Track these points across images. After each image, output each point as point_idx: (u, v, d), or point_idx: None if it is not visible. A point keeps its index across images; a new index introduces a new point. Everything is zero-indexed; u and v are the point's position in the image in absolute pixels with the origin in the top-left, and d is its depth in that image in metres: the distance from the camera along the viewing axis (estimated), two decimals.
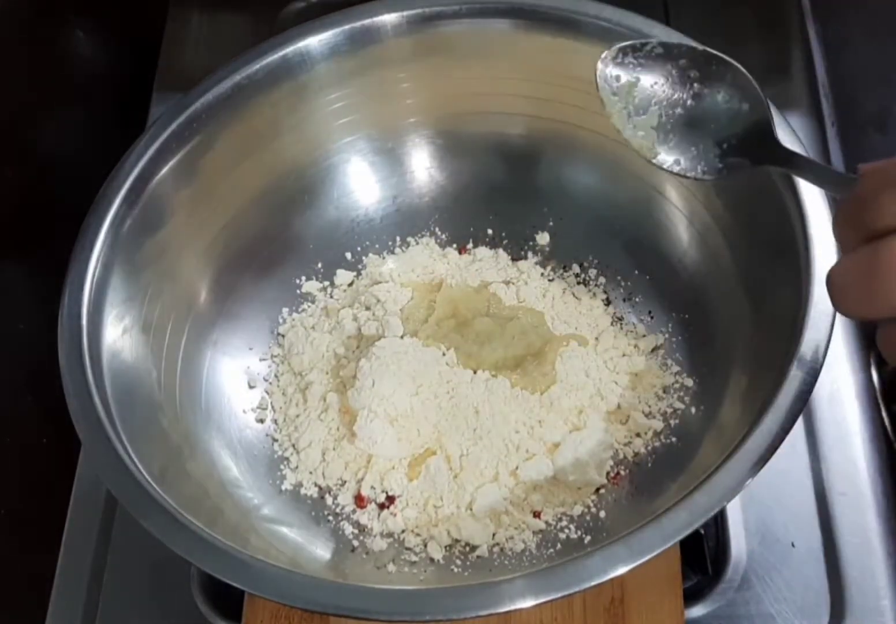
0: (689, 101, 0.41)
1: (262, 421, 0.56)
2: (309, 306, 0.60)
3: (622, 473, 0.53)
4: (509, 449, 0.52)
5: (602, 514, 0.51)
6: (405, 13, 0.53)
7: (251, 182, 0.56)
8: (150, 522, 0.40)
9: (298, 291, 0.60)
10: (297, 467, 0.54)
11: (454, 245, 0.62)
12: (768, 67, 0.69)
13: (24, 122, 0.60)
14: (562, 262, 0.60)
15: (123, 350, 0.48)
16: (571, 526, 0.51)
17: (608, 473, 0.52)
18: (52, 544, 0.57)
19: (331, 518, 0.53)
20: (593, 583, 0.38)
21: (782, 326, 0.44)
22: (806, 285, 0.43)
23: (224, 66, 0.52)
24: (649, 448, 0.53)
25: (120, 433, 0.43)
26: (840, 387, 0.58)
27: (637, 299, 0.58)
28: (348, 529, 0.52)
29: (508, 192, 0.61)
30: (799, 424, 0.56)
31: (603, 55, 0.42)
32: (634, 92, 0.41)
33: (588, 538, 0.50)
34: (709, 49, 0.42)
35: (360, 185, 0.60)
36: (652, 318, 0.57)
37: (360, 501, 0.53)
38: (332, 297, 0.61)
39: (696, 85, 0.41)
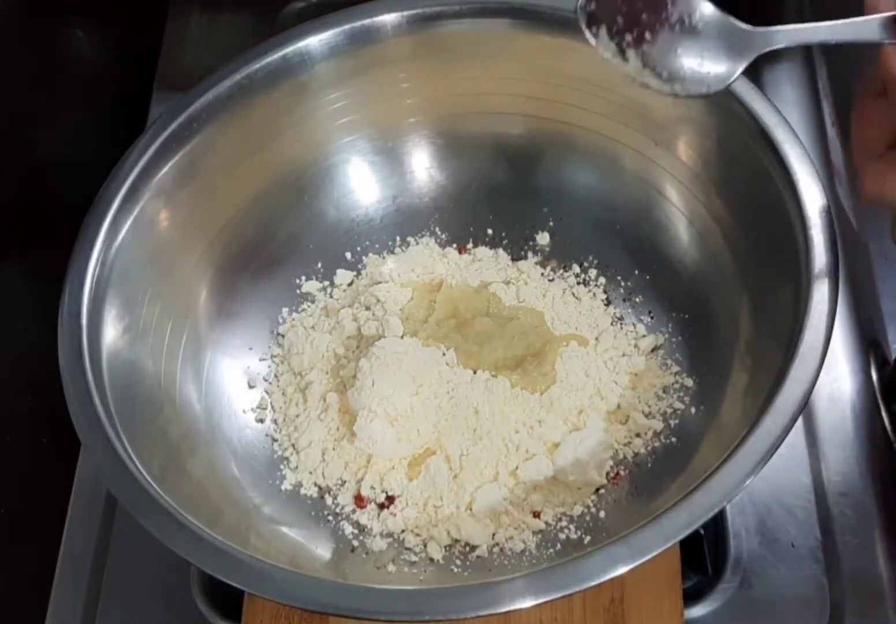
0: (646, 33, 0.42)
1: (261, 421, 0.56)
2: (309, 306, 0.60)
3: (622, 473, 0.53)
4: (509, 449, 0.52)
5: (602, 514, 0.51)
6: (405, 13, 0.53)
7: (251, 182, 0.56)
8: (149, 522, 0.40)
9: (298, 291, 0.60)
10: (296, 467, 0.54)
11: (454, 245, 0.62)
12: (768, 68, 0.69)
13: (24, 122, 0.60)
14: (562, 263, 0.60)
15: (123, 350, 0.48)
16: (571, 526, 0.51)
17: (608, 473, 0.52)
18: (52, 544, 0.57)
19: (330, 518, 0.53)
20: (593, 583, 0.38)
21: (782, 325, 0.44)
22: (806, 285, 0.43)
23: (224, 66, 0.52)
24: (649, 448, 0.53)
25: (120, 433, 0.44)
26: (840, 387, 0.58)
27: (637, 299, 0.58)
28: (348, 529, 0.52)
29: (508, 192, 0.61)
30: (799, 424, 0.56)
31: (578, 11, 0.42)
32: (608, 39, 0.42)
33: (588, 538, 0.50)
34: None
35: (360, 184, 0.60)
36: (652, 318, 0.57)
37: (359, 501, 0.53)
38: (331, 296, 0.61)
39: (648, 13, 0.42)
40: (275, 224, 0.58)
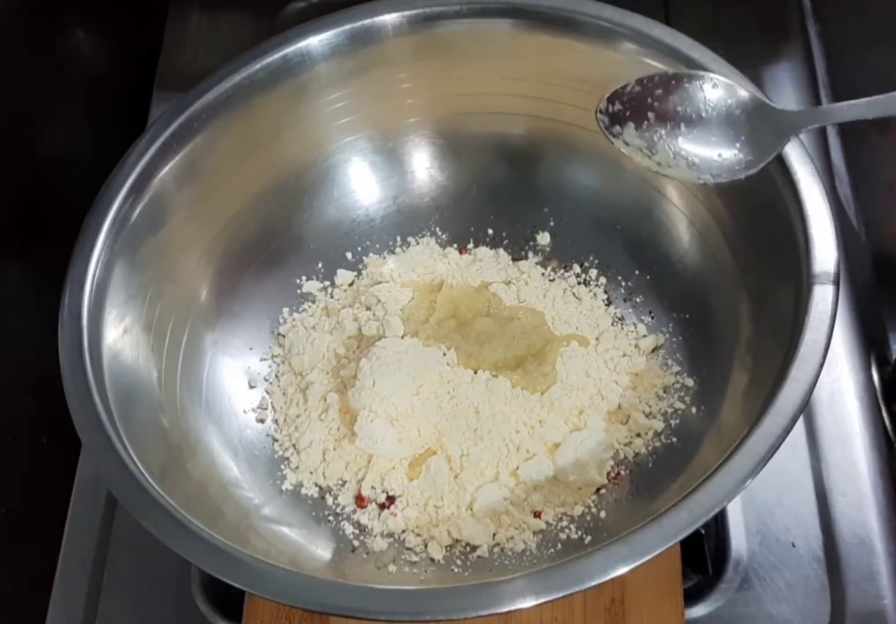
0: (682, 123, 0.42)
1: (262, 421, 0.56)
2: (309, 306, 0.60)
3: (623, 473, 0.53)
4: (510, 449, 0.52)
5: (602, 514, 0.51)
6: (405, 13, 0.53)
7: (251, 182, 0.56)
8: (150, 522, 0.40)
9: (299, 291, 0.60)
10: (297, 467, 0.54)
11: (455, 245, 0.62)
12: (768, 68, 0.69)
13: (25, 122, 0.60)
14: (562, 263, 0.60)
15: (124, 350, 0.48)
16: (572, 526, 0.51)
17: (608, 473, 0.52)
18: (52, 544, 0.57)
19: (331, 518, 0.53)
20: (594, 583, 0.38)
21: (782, 326, 0.44)
22: (806, 285, 0.43)
23: (224, 66, 0.52)
24: (650, 448, 0.53)
25: (120, 433, 0.44)
26: (840, 387, 0.57)
27: (637, 299, 0.58)
28: (349, 529, 0.52)
29: (509, 192, 0.61)
30: (799, 424, 0.56)
31: (597, 115, 0.43)
32: (636, 136, 0.42)
33: (588, 538, 0.50)
34: (679, 71, 0.43)
35: (361, 185, 0.60)
36: (652, 318, 0.57)
37: (360, 501, 0.53)
38: (332, 297, 0.61)
39: (683, 106, 0.42)
40: (275, 224, 0.58)
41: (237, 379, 0.57)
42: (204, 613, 0.54)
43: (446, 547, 0.51)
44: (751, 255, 0.50)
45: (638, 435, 0.53)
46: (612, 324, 0.58)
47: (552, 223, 0.61)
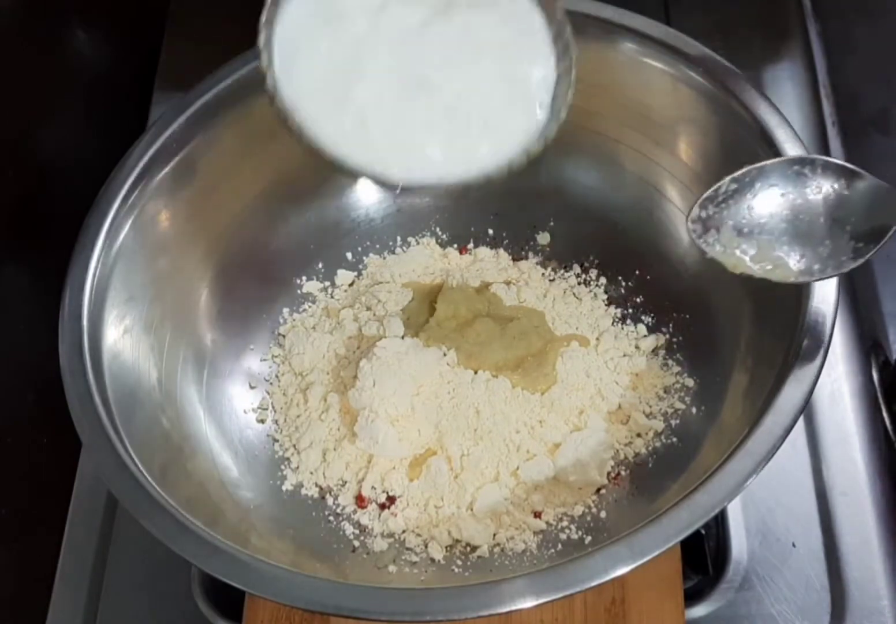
0: (786, 214, 0.40)
1: (262, 421, 0.56)
2: (310, 307, 0.60)
3: (623, 473, 0.53)
4: (510, 449, 0.52)
5: (603, 514, 0.51)
6: None
7: (252, 182, 0.56)
8: (150, 522, 0.40)
9: (299, 292, 0.60)
10: (297, 468, 0.54)
11: (455, 245, 0.62)
12: (768, 68, 0.69)
13: (25, 122, 0.60)
14: (562, 263, 0.60)
15: (124, 350, 0.48)
16: (572, 526, 0.51)
17: (609, 474, 0.52)
18: (52, 544, 0.57)
19: (331, 518, 0.53)
20: (594, 583, 0.38)
21: (783, 326, 0.44)
22: (807, 286, 0.43)
23: (224, 66, 0.52)
24: (650, 448, 0.53)
25: (121, 433, 0.44)
26: (840, 387, 0.57)
27: (638, 299, 0.58)
28: (349, 530, 0.52)
29: (509, 193, 0.60)
30: (799, 425, 0.56)
31: (689, 224, 0.41)
32: (734, 237, 0.41)
33: (589, 538, 0.50)
34: (767, 162, 0.41)
35: (361, 184, 0.60)
36: (653, 318, 0.57)
37: (360, 501, 0.53)
38: (332, 297, 0.61)
39: (786, 193, 0.40)
40: (275, 224, 0.58)
41: (237, 379, 0.57)
42: (204, 613, 0.54)
43: (446, 547, 0.51)
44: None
45: (638, 435, 0.53)
46: (613, 324, 0.58)
47: (552, 223, 0.61)
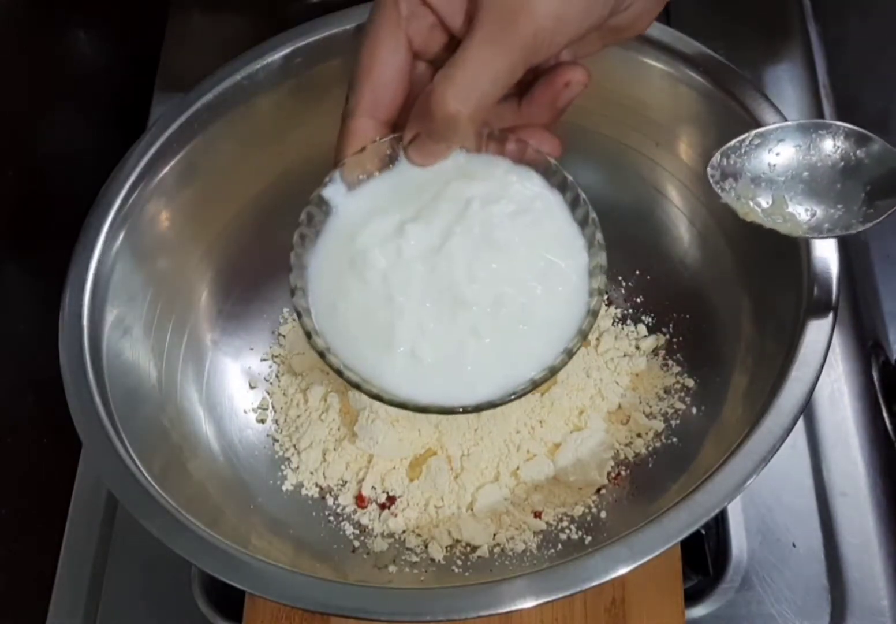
0: (804, 173, 0.41)
1: (262, 421, 0.56)
2: None
3: (623, 473, 0.52)
4: (510, 449, 0.52)
5: (603, 514, 0.51)
6: None
7: (252, 182, 0.56)
8: (150, 522, 0.40)
9: None
10: (297, 468, 0.54)
11: None
12: (768, 68, 0.69)
13: (25, 122, 0.60)
14: None
15: (124, 350, 0.48)
16: (572, 526, 0.50)
17: (609, 474, 0.52)
18: (52, 544, 0.57)
19: (332, 518, 0.53)
20: (594, 583, 0.38)
21: (783, 326, 0.44)
22: (807, 285, 0.43)
23: (224, 66, 0.52)
24: (650, 448, 0.53)
25: (121, 433, 0.44)
26: (840, 387, 0.57)
27: (638, 300, 0.58)
28: (349, 530, 0.52)
29: None
30: (799, 425, 0.56)
31: (708, 169, 0.41)
32: (751, 189, 0.42)
33: (589, 538, 0.49)
34: (792, 122, 0.42)
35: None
36: (653, 318, 0.57)
37: (360, 501, 0.53)
38: None
39: (808, 157, 0.41)
40: (276, 224, 0.58)
41: (237, 379, 0.57)
42: (204, 613, 0.54)
43: (447, 547, 0.50)
44: (751, 254, 0.50)
45: (638, 435, 0.53)
46: (613, 324, 0.58)
47: None
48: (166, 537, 0.40)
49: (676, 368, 0.55)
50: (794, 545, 0.53)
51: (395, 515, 0.52)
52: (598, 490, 0.52)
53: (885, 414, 0.57)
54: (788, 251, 0.45)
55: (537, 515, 0.51)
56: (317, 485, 0.54)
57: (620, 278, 0.59)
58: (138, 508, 0.41)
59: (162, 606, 0.55)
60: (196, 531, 0.40)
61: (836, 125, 0.41)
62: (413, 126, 0.37)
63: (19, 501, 0.56)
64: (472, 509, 0.51)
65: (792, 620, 0.52)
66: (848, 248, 0.61)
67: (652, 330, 0.57)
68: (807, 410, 0.55)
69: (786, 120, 0.47)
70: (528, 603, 0.37)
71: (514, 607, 0.37)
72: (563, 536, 0.50)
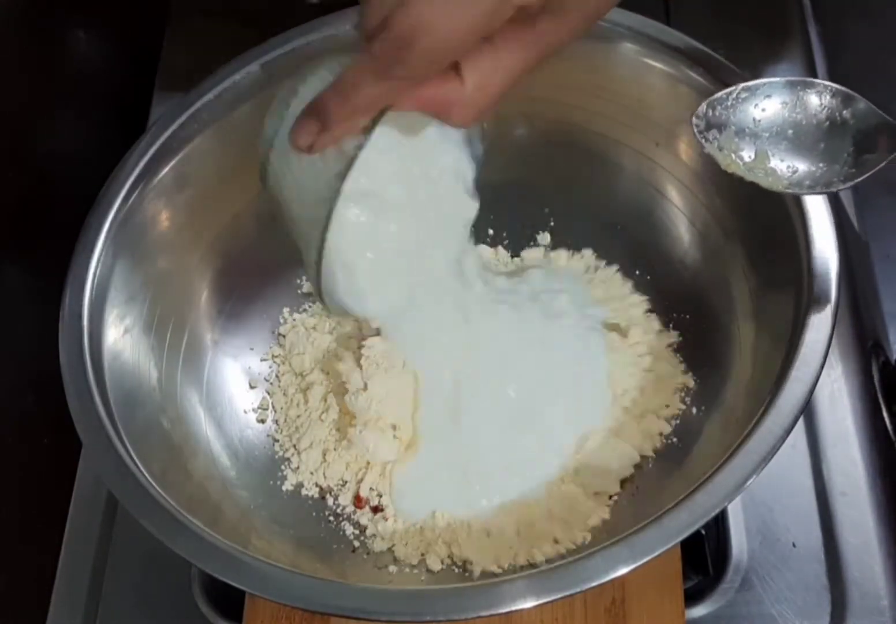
0: (789, 130, 0.42)
1: (263, 421, 0.56)
2: (310, 306, 0.60)
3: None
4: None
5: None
6: None
7: (252, 182, 0.55)
8: (150, 522, 0.40)
9: (299, 291, 0.60)
10: (297, 468, 0.54)
11: None
12: (768, 68, 0.69)
13: (25, 122, 0.60)
14: None
15: (124, 350, 0.48)
16: None
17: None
18: (52, 544, 0.57)
19: (332, 518, 0.53)
20: (594, 583, 0.37)
21: (783, 326, 0.44)
22: (807, 285, 0.43)
23: (224, 66, 0.52)
24: (651, 448, 0.53)
25: (121, 433, 0.44)
26: (840, 387, 0.57)
27: None
28: (349, 530, 0.52)
29: (509, 192, 0.60)
30: (800, 425, 0.56)
31: (693, 119, 0.42)
32: (734, 141, 0.42)
33: (589, 538, 0.49)
34: (781, 79, 0.42)
35: None
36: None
37: (358, 501, 0.53)
38: None
39: (793, 114, 0.42)
40: (276, 224, 0.58)
41: (238, 379, 0.57)
42: (204, 613, 0.54)
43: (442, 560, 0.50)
44: (751, 254, 0.50)
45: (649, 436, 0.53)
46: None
47: (552, 223, 0.61)
48: (166, 537, 0.40)
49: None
50: (794, 545, 0.53)
51: (387, 519, 0.52)
52: (610, 496, 0.51)
53: (885, 414, 0.57)
54: (788, 250, 0.45)
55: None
56: (317, 485, 0.54)
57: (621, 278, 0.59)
58: (138, 508, 0.41)
59: (162, 606, 0.55)
60: (196, 531, 0.40)
61: (824, 84, 0.41)
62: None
63: (19, 501, 0.56)
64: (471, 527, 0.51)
65: (792, 620, 0.52)
66: (848, 248, 0.61)
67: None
68: (807, 410, 0.55)
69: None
70: (529, 603, 0.37)
71: (514, 607, 0.37)
72: None
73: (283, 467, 0.54)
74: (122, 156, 0.50)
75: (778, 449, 0.40)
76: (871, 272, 0.64)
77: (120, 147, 0.50)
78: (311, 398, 0.55)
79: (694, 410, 0.53)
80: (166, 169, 0.50)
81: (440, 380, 0.52)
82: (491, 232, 0.61)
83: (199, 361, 0.54)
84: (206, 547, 0.40)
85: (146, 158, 0.50)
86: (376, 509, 0.52)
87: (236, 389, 0.56)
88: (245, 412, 0.56)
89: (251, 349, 0.58)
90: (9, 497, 0.54)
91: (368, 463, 0.53)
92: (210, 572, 0.40)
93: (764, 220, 0.48)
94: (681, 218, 0.55)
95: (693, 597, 0.52)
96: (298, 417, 0.55)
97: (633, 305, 0.57)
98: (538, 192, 0.60)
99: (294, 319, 0.59)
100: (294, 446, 0.55)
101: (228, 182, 0.54)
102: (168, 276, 0.52)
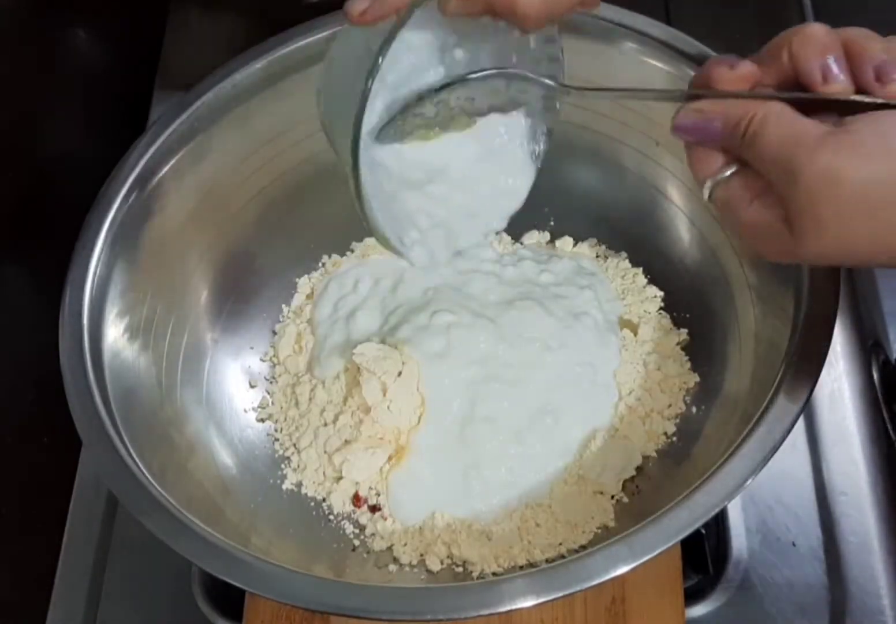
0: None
1: (262, 420, 0.56)
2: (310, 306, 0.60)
3: None
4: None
5: None
6: None
7: (252, 181, 0.56)
8: (150, 521, 0.40)
9: (299, 291, 0.60)
10: (298, 467, 0.54)
11: None
12: None
13: (25, 122, 0.60)
14: None
15: (124, 349, 0.48)
16: None
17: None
18: (52, 544, 0.57)
19: (331, 517, 0.53)
20: (594, 582, 0.37)
21: (783, 325, 0.44)
22: (807, 284, 0.43)
23: (224, 66, 0.52)
24: (651, 448, 0.53)
25: (121, 432, 0.44)
26: (840, 387, 0.57)
27: None
28: (349, 529, 0.52)
29: None
30: (799, 424, 0.56)
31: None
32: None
33: (591, 539, 0.49)
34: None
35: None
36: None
37: (356, 501, 0.53)
38: None
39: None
40: (276, 223, 0.58)
41: (238, 378, 0.57)
42: (204, 613, 0.54)
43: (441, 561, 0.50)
44: (751, 254, 0.50)
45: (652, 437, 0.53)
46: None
47: (552, 223, 0.61)
48: (166, 537, 0.40)
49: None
50: (794, 545, 0.53)
51: (385, 519, 0.52)
52: (612, 497, 0.51)
53: (885, 413, 0.57)
54: None
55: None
56: (316, 483, 0.54)
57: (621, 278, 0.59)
58: (139, 507, 0.41)
59: (162, 606, 0.55)
60: (196, 530, 0.40)
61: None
62: None
63: (19, 500, 0.56)
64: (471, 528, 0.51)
65: (792, 620, 0.52)
66: None
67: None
68: (807, 409, 0.55)
69: None
70: (529, 602, 0.37)
71: (514, 606, 0.37)
72: None
73: (282, 466, 0.54)
74: (122, 156, 0.50)
75: (778, 448, 0.40)
76: (871, 272, 0.63)
77: (120, 147, 0.50)
78: (311, 397, 0.55)
79: (694, 410, 0.53)
80: (166, 169, 0.50)
81: (455, 385, 0.52)
82: None
83: (199, 361, 0.54)
84: (206, 546, 0.40)
85: (146, 158, 0.50)
86: (374, 509, 0.52)
87: (236, 388, 0.56)
88: (245, 411, 0.56)
89: (251, 348, 0.58)
90: (9, 497, 0.54)
91: None
92: (210, 571, 0.40)
93: None
94: (682, 218, 0.55)
95: (693, 596, 0.52)
96: (298, 416, 0.55)
97: (649, 300, 0.57)
98: (539, 192, 0.60)
99: (293, 320, 0.59)
100: (294, 445, 0.55)
101: (228, 182, 0.54)
102: (168, 275, 0.52)
